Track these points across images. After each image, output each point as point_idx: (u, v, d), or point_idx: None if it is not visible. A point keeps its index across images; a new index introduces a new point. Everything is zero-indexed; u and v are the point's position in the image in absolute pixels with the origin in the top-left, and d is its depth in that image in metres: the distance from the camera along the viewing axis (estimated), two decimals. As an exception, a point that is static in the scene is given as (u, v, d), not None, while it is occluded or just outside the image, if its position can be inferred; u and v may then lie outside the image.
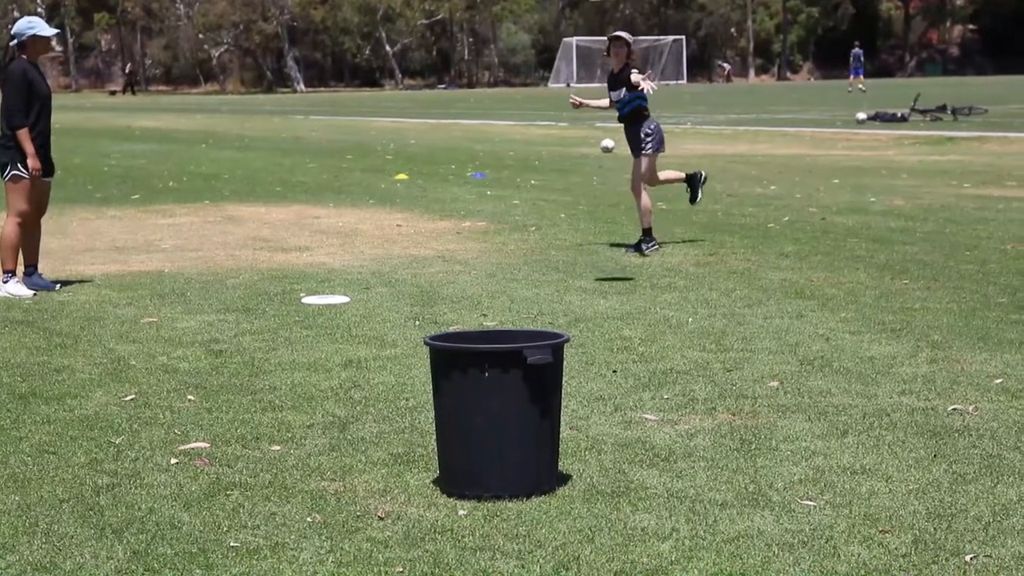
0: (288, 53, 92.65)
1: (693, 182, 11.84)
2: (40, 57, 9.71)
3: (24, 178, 9.42)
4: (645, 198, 11.37)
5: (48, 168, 9.66)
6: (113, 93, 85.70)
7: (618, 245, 11.74)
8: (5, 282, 9.50)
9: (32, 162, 9.34)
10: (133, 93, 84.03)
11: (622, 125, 11.48)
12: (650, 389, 6.54)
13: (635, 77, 10.90)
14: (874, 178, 18.36)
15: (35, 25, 9.46)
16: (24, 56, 9.43)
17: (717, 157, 23.22)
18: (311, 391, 6.57)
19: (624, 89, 11.16)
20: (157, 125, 38.81)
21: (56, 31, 9.50)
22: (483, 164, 22.01)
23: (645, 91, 10.96)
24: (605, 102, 11.68)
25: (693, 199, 11.95)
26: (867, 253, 11.15)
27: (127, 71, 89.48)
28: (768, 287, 9.53)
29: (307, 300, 9.14)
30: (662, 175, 11.69)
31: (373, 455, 5.48)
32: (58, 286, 9.72)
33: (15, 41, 9.46)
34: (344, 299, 9.16)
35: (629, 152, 11.58)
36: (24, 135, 9.32)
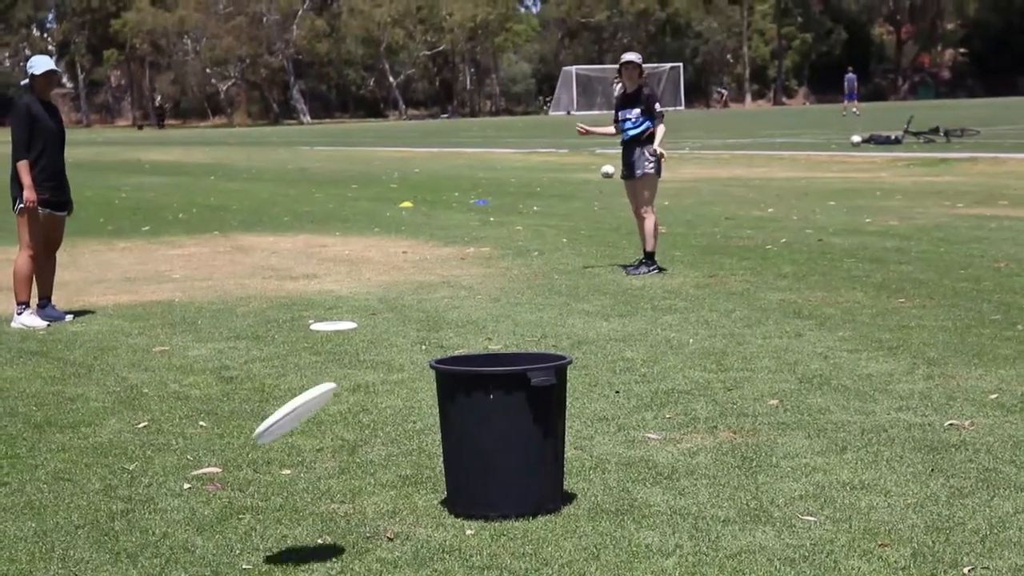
0: (294, 86, 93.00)
1: (650, 258, 11.55)
2: (52, 93, 9.87)
3: (32, 211, 9.55)
4: (650, 221, 11.48)
5: (61, 204, 9.78)
6: (140, 127, 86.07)
7: (623, 266, 11.87)
8: (19, 313, 9.63)
9: (28, 194, 9.45)
10: (161, 126, 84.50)
11: (623, 144, 11.57)
12: (652, 409, 6.63)
13: (659, 148, 11.33)
14: (869, 199, 18.46)
15: (33, 64, 9.64)
16: (33, 93, 9.60)
17: (715, 181, 23.34)
18: (320, 415, 6.63)
19: (639, 110, 11.34)
20: (166, 158, 38.94)
21: (47, 68, 9.57)
22: (486, 191, 22.13)
23: (661, 156, 11.36)
24: (611, 129, 11.80)
25: (637, 269, 11.50)
26: (863, 273, 11.24)
27: (157, 104, 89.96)
28: (767, 307, 9.63)
29: (315, 327, 9.25)
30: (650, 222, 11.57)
31: (382, 477, 5.56)
32: (70, 317, 9.84)
33: (26, 80, 9.68)
34: (351, 325, 9.27)
35: (591, 129, 11.89)
36: (23, 167, 9.44)
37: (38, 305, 9.85)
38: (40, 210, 9.58)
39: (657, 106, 11.39)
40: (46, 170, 9.58)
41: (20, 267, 9.68)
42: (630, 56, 11.61)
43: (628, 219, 16.56)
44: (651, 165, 11.42)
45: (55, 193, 9.68)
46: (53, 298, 10.02)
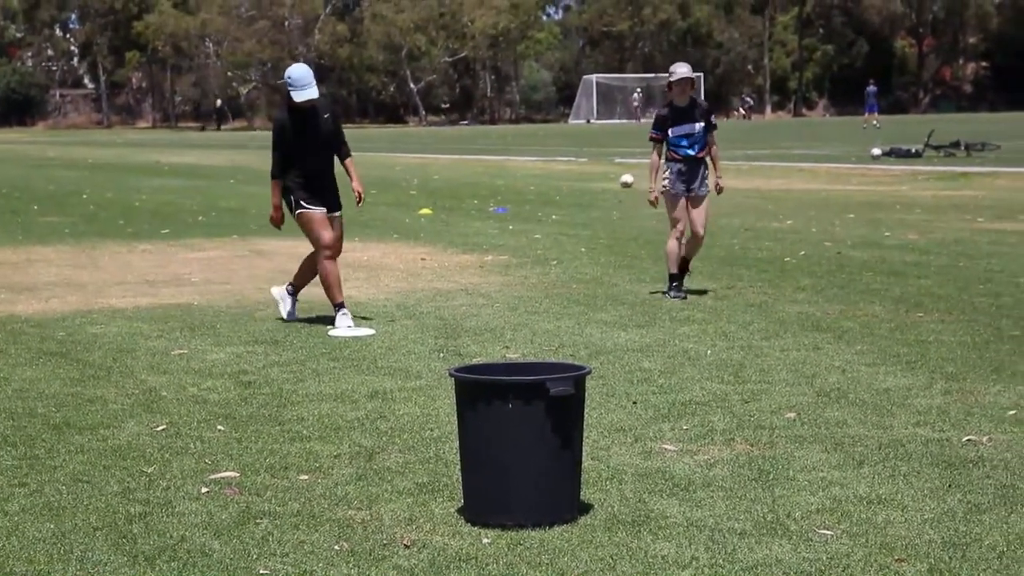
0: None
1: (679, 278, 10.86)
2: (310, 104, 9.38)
3: (310, 211, 9.45)
4: (702, 240, 11.00)
5: (331, 205, 9.58)
6: (203, 128, 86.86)
7: (657, 292, 10.94)
8: (343, 315, 9.39)
9: (272, 213, 9.57)
10: (219, 128, 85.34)
11: (682, 161, 10.72)
12: (669, 420, 6.64)
13: (721, 183, 10.94)
14: (888, 213, 18.44)
15: (293, 83, 9.26)
16: (288, 104, 9.40)
17: (734, 192, 23.26)
18: (338, 422, 6.67)
19: (700, 124, 10.68)
20: (186, 161, 39.08)
21: (307, 97, 9.20)
22: (505, 199, 22.16)
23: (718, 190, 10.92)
24: (656, 159, 10.81)
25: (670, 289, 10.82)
26: (882, 286, 11.23)
27: (216, 106, 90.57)
28: (785, 320, 9.63)
29: (333, 332, 9.28)
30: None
31: (399, 484, 5.57)
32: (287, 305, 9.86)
33: (284, 85, 9.48)
34: (370, 331, 9.30)
35: (653, 187, 10.80)
36: (274, 186, 9.49)
37: (289, 292, 9.80)
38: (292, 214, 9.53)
39: (713, 118, 10.84)
40: (309, 175, 9.45)
41: (323, 271, 9.46)
42: (684, 71, 10.61)
43: (648, 228, 16.58)
44: (708, 185, 10.92)
45: (321, 197, 9.49)
46: (79, 299, 10.02)
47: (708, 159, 10.89)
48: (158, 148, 51.19)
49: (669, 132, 10.72)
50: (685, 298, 10.64)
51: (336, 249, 9.61)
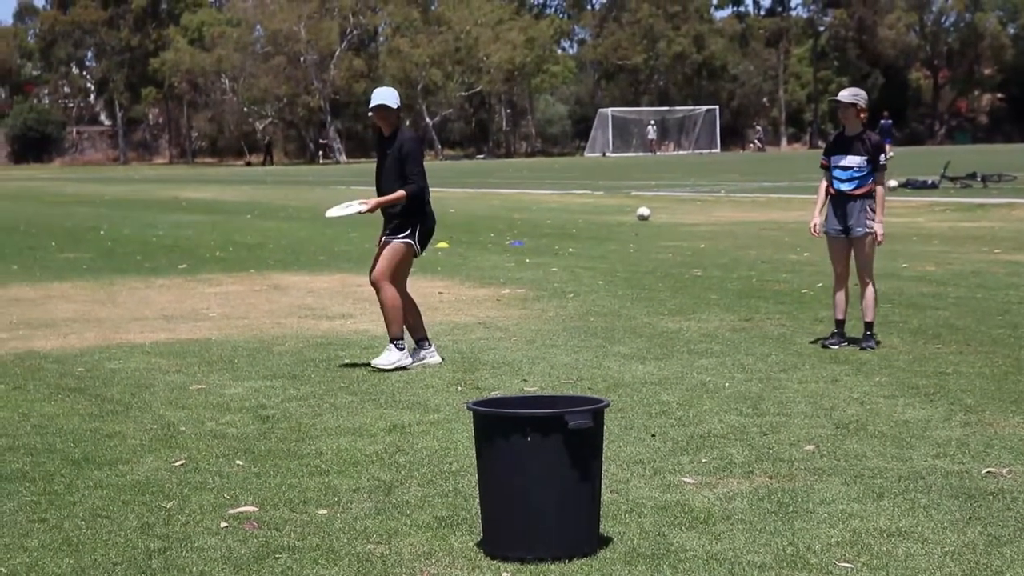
0: (330, 125, 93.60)
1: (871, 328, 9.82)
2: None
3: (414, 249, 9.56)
4: (872, 288, 9.85)
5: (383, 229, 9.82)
6: (248, 164, 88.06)
7: (817, 341, 9.95)
8: (400, 348, 9.25)
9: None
10: (270, 163, 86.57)
11: (836, 196, 9.80)
12: (688, 453, 6.63)
13: (880, 230, 9.74)
14: (906, 244, 18.39)
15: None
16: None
17: (751, 224, 23.31)
18: (356, 456, 6.68)
19: (864, 158, 9.64)
20: (203, 196, 39.22)
21: (371, 105, 9.53)
22: (521, 232, 22.18)
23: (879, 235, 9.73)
24: (823, 189, 9.97)
25: (867, 342, 9.74)
26: (900, 318, 11.21)
27: (266, 143, 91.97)
28: (803, 352, 9.61)
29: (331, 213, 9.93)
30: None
31: (418, 518, 5.57)
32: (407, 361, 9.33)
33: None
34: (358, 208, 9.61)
35: (816, 217, 9.99)
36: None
37: (399, 348, 9.29)
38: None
39: (883, 157, 9.67)
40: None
41: (395, 299, 9.43)
42: (843, 95, 9.74)
43: (665, 261, 16.59)
44: (873, 223, 9.74)
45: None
46: (92, 335, 10.03)
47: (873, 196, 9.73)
48: (175, 184, 51.43)
49: (831, 159, 9.82)
50: (842, 345, 9.74)
51: (372, 275, 9.69)
